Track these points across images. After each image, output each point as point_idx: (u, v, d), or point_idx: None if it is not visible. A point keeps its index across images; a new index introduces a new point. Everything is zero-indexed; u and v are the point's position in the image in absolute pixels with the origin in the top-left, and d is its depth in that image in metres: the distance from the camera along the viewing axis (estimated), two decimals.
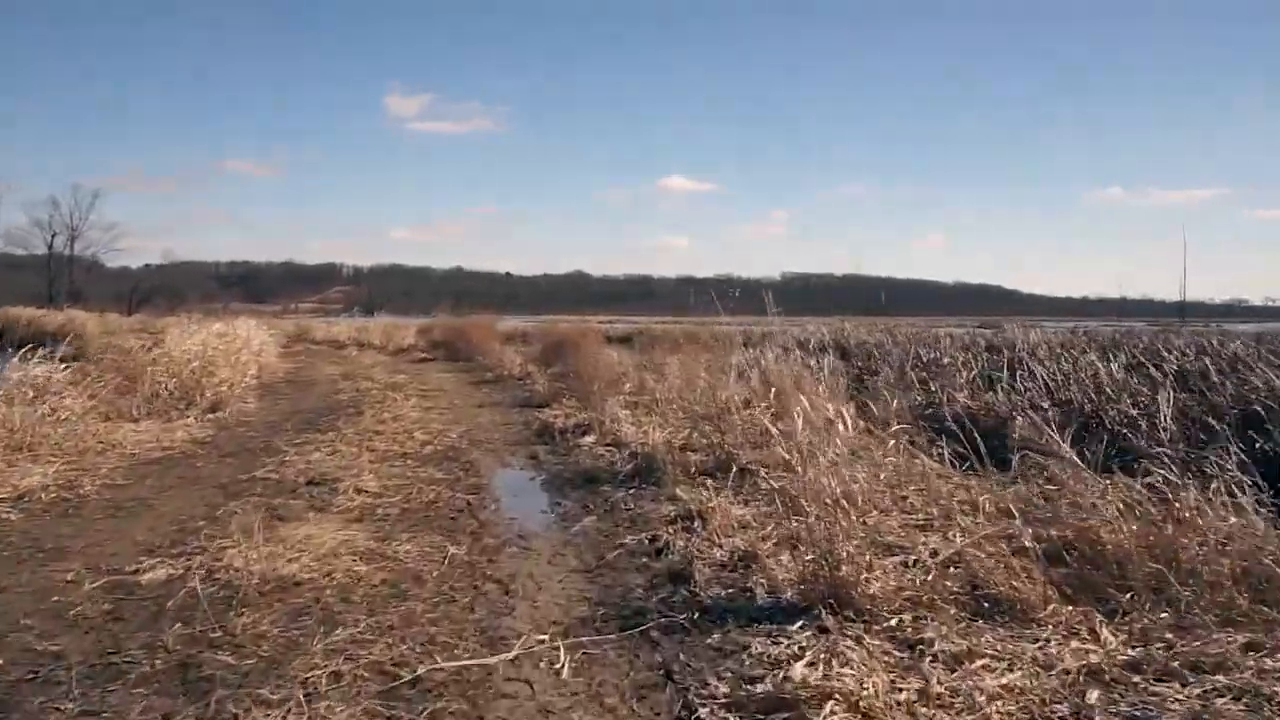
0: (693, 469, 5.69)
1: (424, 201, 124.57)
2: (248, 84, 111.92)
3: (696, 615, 3.10)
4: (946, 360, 12.20)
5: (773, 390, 8.08)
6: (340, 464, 6.01)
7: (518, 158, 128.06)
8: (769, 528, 4.26)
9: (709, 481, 5.37)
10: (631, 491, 5.20)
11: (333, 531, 4.12)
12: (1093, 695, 2.38)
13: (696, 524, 4.30)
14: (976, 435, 5.86)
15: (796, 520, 4.03)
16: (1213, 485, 3.57)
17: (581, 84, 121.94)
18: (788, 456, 5.66)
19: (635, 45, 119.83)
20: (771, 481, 5.07)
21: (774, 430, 6.81)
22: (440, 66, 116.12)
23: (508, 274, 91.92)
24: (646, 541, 4.14)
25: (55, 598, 3.20)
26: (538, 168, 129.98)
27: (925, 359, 12.72)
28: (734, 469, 5.51)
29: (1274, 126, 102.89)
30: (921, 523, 4.44)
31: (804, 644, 2.74)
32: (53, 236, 47.53)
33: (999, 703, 2.34)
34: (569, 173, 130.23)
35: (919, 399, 9.87)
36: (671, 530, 4.24)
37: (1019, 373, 10.59)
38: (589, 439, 6.94)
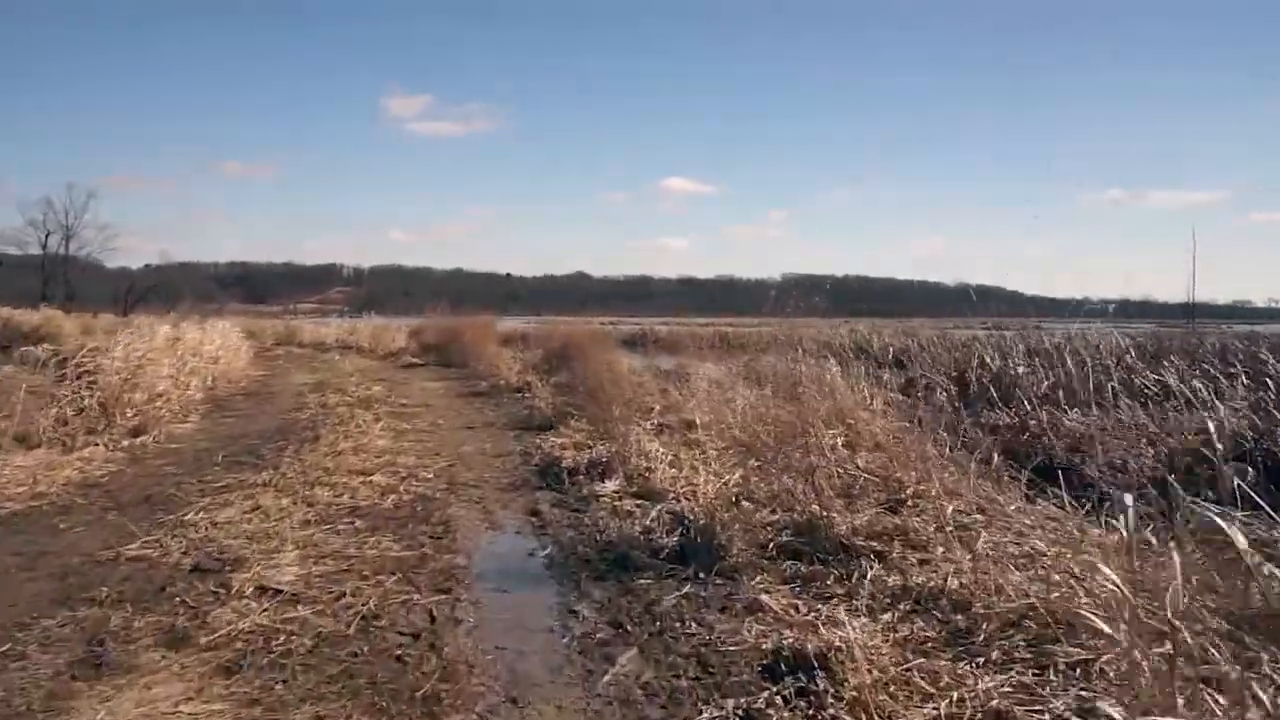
0: (767, 540, 3.86)
1: (424, 202, 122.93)
2: (246, 84, 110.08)
3: None
4: (1023, 369, 10.39)
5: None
6: (258, 528, 4.20)
7: (518, 159, 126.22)
8: (943, 683, 2.44)
9: (800, 569, 3.55)
10: (687, 588, 3.36)
11: (172, 706, 2.29)
12: None
13: (819, 678, 2.47)
14: (1171, 482, 4.04)
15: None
16: None
17: (581, 86, 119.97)
18: (917, 530, 3.85)
19: (635, 46, 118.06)
20: (906, 573, 3.24)
21: (861, 471, 5.02)
22: (440, 67, 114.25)
23: (508, 275, 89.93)
24: None
25: None
26: (538, 169, 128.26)
27: (994, 368, 10.91)
28: (834, 548, 3.70)
29: (1274, 129, 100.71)
30: None
31: None
32: (47, 236, 45.78)
33: None
34: (569, 174, 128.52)
35: (1006, 420, 8.13)
36: (779, 698, 2.40)
37: (1110, 384, 8.84)
38: (610, 485, 5.09)
